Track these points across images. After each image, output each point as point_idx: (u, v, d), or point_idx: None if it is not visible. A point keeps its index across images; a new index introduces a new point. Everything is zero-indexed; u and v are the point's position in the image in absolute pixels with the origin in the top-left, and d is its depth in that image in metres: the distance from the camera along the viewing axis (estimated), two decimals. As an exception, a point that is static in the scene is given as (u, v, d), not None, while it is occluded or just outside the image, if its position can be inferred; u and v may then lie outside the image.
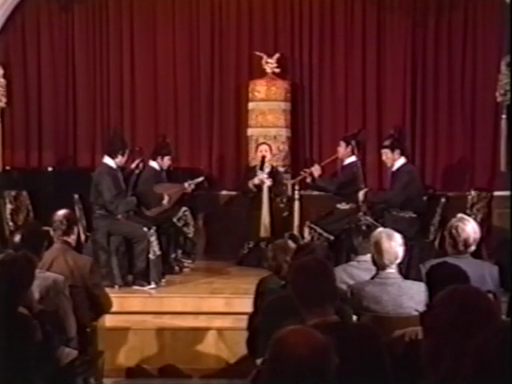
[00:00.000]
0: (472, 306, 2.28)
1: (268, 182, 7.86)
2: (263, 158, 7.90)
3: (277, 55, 8.58)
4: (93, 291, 4.62)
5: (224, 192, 8.86)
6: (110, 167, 6.78)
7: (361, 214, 7.00)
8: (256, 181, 7.84)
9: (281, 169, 8.25)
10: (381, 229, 4.33)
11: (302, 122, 8.84)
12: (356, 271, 4.46)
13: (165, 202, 7.25)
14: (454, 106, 8.64)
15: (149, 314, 6.24)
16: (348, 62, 8.77)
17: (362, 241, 4.53)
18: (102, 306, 4.73)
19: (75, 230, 4.77)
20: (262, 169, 7.91)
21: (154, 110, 9.02)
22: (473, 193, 7.95)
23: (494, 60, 8.32)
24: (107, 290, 6.06)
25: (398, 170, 6.98)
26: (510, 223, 6.69)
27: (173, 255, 7.61)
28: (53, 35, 8.97)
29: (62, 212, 4.75)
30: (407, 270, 5.32)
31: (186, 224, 7.63)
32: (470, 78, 8.58)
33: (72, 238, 4.75)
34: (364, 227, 4.68)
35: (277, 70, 8.56)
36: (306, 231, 7.28)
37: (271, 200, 7.86)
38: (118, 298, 6.21)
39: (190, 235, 7.74)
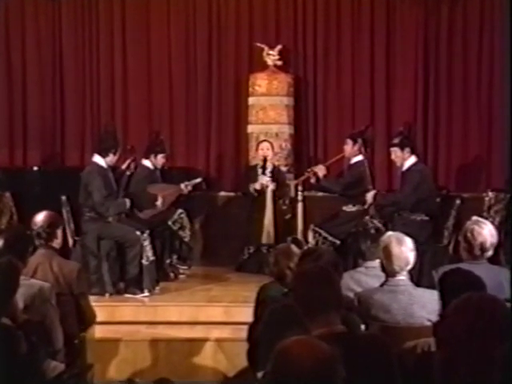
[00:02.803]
0: (488, 315, 2.28)
1: (271, 186, 7.84)
2: (265, 158, 7.87)
3: (279, 47, 8.58)
4: (78, 301, 4.61)
5: (222, 193, 8.85)
6: (101, 166, 6.78)
7: (368, 216, 7.00)
8: (257, 186, 7.83)
9: (283, 168, 8.25)
10: (390, 233, 4.32)
11: (305, 118, 8.84)
12: (364, 278, 4.46)
13: (158, 203, 7.24)
14: (470, 101, 8.63)
15: (142, 324, 6.23)
16: (355, 53, 8.77)
17: (370, 245, 4.53)
18: (85, 319, 4.71)
19: (59, 232, 4.75)
20: (263, 172, 7.89)
21: (148, 105, 9.01)
22: (490, 194, 7.93)
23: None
24: (97, 298, 6.13)
25: (409, 169, 6.98)
26: (510, 224, 6.70)
27: (167, 261, 7.60)
28: (39, 26, 8.96)
29: (41, 216, 4.71)
30: (419, 276, 5.30)
31: (182, 227, 7.63)
32: (487, 71, 8.56)
33: (56, 243, 4.73)
34: (372, 231, 4.68)
35: (279, 63, 8.56)
36: (310, 235, 7.29)
37: (274, 202, 7.84)
38: (109, 307, 6.25)
39: (186, 239, 7.73)
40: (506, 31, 7.70)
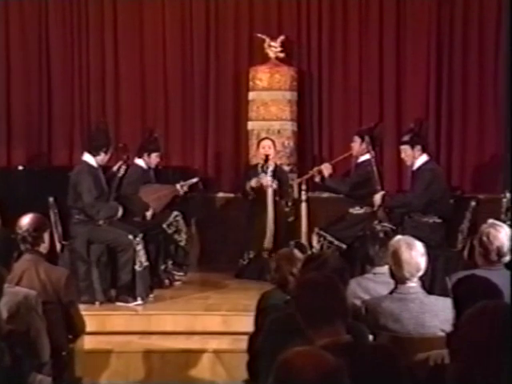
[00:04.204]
0: (505, 325, 2.27)
1: (274, 185, 7.81)
2: (267, 157, 7.86)
3: (281, 38, 8.58)
4: (67, 309, 4.60)
5: (221, 194, 8.86)
6: (91, 166, 6.78)
7: (377, 221, 6.99)
8: (253, 183, 7.80)
9: (286, 168, 8.24)
10: (400, 236, 4.31)
11: (309, 114, 8.84)
12: (372, 285, 4.45)
13: (148, 214, 7.31)
14: (486, 96, 8.63)
15: (134, 335, 6.24)
16: (363, 45, 8.77)
17: (379, 250, 4.53)
18: (74, 328, 4.70)
19: (46, 236, 4.75)
20: (264, 171, 7.87)
21: (141, 100, 9.02)
22: (508, 195, 7.91)
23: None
24: (87, 306, 6.12)
25: (419, 168, 6.99)
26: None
27: (162, 266, 7.60)
28: (24, 14, 8.95)
29: (27, 219, 4.70)
30: (431, 283, 5.31)
31: (178, 230, 7.63)
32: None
33: (43, 247, 4.73)
34: (381, 234, 4.67)
35: (281, 55, 8.56)
36: (315, 239, 7.29)
37: (275, 204, 7.83)
38: (99, 316, 6.25)
39: (182, 243, 7.73)
40: (506, 31, 7.71)
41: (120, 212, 6.86)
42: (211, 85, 8.93)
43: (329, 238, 7.23)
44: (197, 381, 5.91)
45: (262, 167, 7.88)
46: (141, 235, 6.75)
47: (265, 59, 8.58)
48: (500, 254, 4.49)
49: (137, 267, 6.67)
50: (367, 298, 4.24)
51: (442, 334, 3.75)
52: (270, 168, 7.92)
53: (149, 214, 7.38)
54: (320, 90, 8.86)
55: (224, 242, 8.41)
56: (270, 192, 7.79)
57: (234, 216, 8.48)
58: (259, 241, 7.78)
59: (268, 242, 7.73)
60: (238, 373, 5.30)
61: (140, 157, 7.71)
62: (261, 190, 7.79)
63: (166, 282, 7.57)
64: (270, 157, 7.91)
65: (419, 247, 4.10)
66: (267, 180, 7.80)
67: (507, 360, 2.21)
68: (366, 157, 7.47)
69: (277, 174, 7.95)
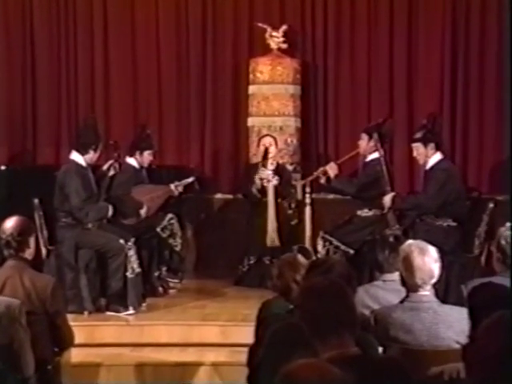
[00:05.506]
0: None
1: (274, 181, 7.84)
2: (266, 150, 7.88)
3: (284, 27, 8.58)
4: (54, 320, 4.60)
5: (219, 195, 8.86)
6: (79, 165, 6.79)
7: (388, 230, 7.00)
8: (257, 181, 7.82)
9: (289, 167, 8.25)
10: (411, 241, 4.31)
11: (314, 109, 8.84)
12: (381, 293, 4.46)
13: (142, 212, 7.30)
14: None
15: (126, 347, 6.24)
16: (372, 35, 8.77)
17: (389, 255, 4.54)
18: (61, 340, 4.70)
19: (31, 241, 4.75)
20: (264, 165, 7.89)
21: (133, 94, 9.03)
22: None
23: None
24: (75, 316, 6.12)
25: (433, 168, 6.99)
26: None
27: (156, 273, 7.61)
28: (7, 3, 8.95)
29: (10, 223, 4.70)
30: (445, 292, 5.31)
31: (172, 234, 7.64)
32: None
33: (28, 253, 4.72)
34: (391, 239, 4.67)
35: (284, 46, 8.57)
36: (320, 243, 7.29)
37: (277, 205, 7.85)
38: (88, 327, 6.26)
39: (177, 248, 7.74)
40: (506, 31, 7.75)
41: (110, 212, 6.86)
42: (208, 78, 8.93)
43: (335, 242, 7.23)
44: (193, 396, 5.93)
45: (262, 163, 7.90)
46: (133, 239, 6.76)
47: (266, 50, 8.59)
48: (519, 259, 4.49)
49: (128, 274, 6.67)
50: (376, 307, 4.25)
51: (457, 346, 3.76)
52: (271, 167, 7.93)
53: (143, 211, 7.35)
54: (325, 84, 8.86)
55: (222, 246, 8.41)
56: (270, 187, 7.81)
57: (232, 219, 8.49)
58: (259, 245, 7.80)
59: (270, 239, 7.73)
60: (237, 387, 5.32)
61: (132, 155, 7.72)
62: (265, 191, 7.81)
63: (160, 289, 7.58)
64: (270, 151, 7.92)
65: (432, 252, 4.09)
66: (267, 174, 7.83)
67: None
68: (375, 155, 7.47)
69: (279, 172, 7.96)
